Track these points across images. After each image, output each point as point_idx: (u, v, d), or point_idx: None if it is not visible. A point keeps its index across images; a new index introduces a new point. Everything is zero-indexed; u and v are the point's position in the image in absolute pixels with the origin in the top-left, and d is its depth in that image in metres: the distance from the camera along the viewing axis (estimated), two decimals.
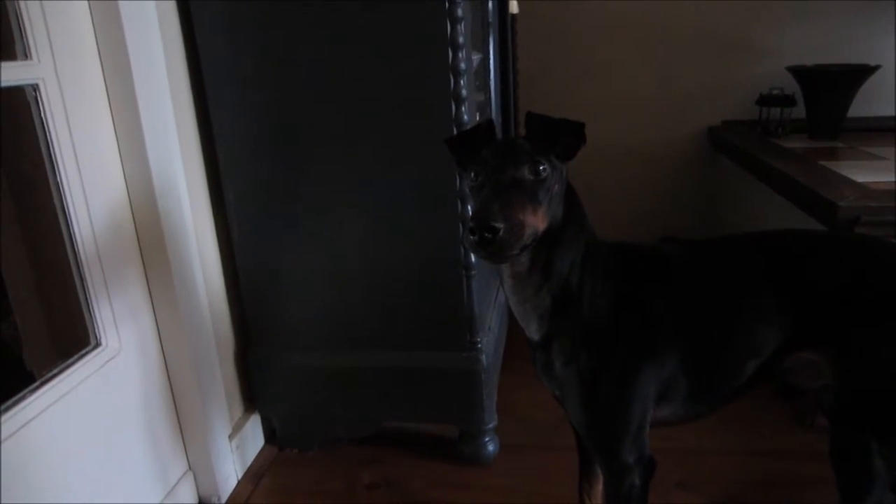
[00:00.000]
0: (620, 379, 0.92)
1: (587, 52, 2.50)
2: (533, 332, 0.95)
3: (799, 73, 2.19)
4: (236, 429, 1.50)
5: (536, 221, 0.81)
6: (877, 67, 2.09)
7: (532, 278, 0.90)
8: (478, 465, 1.48)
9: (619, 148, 2.52)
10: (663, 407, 0.96)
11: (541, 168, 0.82)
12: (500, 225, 0.74)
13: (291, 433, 1.58)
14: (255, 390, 1.54)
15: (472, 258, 1.32)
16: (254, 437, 1.58)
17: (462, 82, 1.22)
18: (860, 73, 2.11)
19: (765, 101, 2.28)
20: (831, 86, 2.15)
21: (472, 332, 1.37)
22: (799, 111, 2.23)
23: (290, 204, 1.37)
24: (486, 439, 1.47)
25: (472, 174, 0.85)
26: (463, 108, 1.23)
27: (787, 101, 2.24)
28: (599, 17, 2.46)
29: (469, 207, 0.86)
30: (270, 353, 1.49)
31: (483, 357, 1.39)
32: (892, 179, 1.54)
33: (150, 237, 1.21)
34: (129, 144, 1.17)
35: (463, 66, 1.21)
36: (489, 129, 0.90)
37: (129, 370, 1.21)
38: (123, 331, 1.18)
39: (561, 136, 0.84)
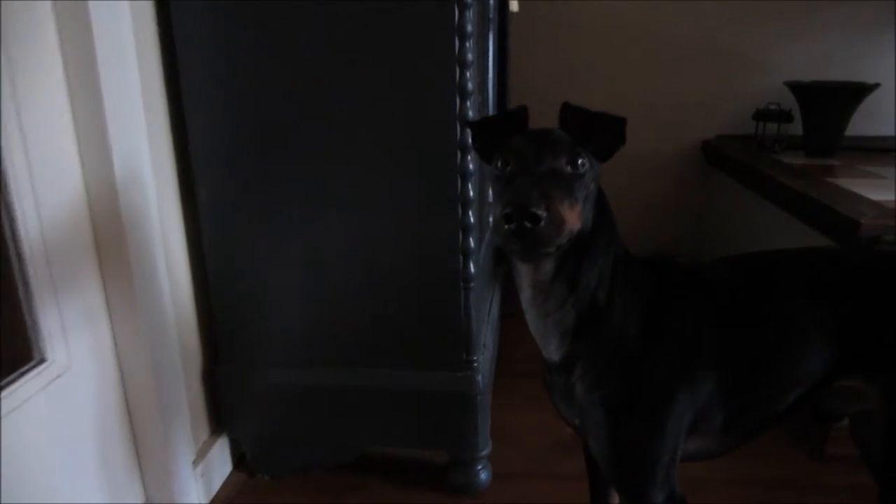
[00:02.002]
0: (652, 408, 0.80)
1: (582, 59, 2.42)
2: (552, 351, 0.84)
3: (797, 88, 2.14)
4: (201, 454, 1.35)
5: (574, 219, 0.70)
6: (876, 86, 2.05)
7: (556, 289, 0.78)
8: (468, 496, 1.35)
9: (612, 160, 2.41)
10: (693, 441, 0.85)
11: (580, 161, 0.72)
12: (542, 213, 0.64)
13: (263, 458, 1.43)
14: (223, 410, 1.39)
15: (471, 268, 1.20)
16: (221, 462, 1.43)
17: (468, 74, 1.10)
18: (859, 91, 2.07)
19: (761, 115, 2.23)
20: (830, 102, 2.11)
21: (468, 350, 1.25)
22: (795, 128, 2.19)
23: (268, 205, 1.23)
24: (479, 467, 1.34)
25: (500, 162, 0.74)
26: (468, 104, 1.11)
27: (784, 116, 2.19)
28: (596, 25, 2.39)
29: (495, 201, 0.75)
30: (242, 369, 1.34)
31: (479, 377, 1.26)
32: None
33: (108, 235, 1.06)
34: (89, 131, 1.03)
35: (470, 56, 1.10)
36: (523, 116, 0.79)
37: (80, 389, 1.05)
38: (74, 344, 1.03)
39: (600, 131, 0.74)
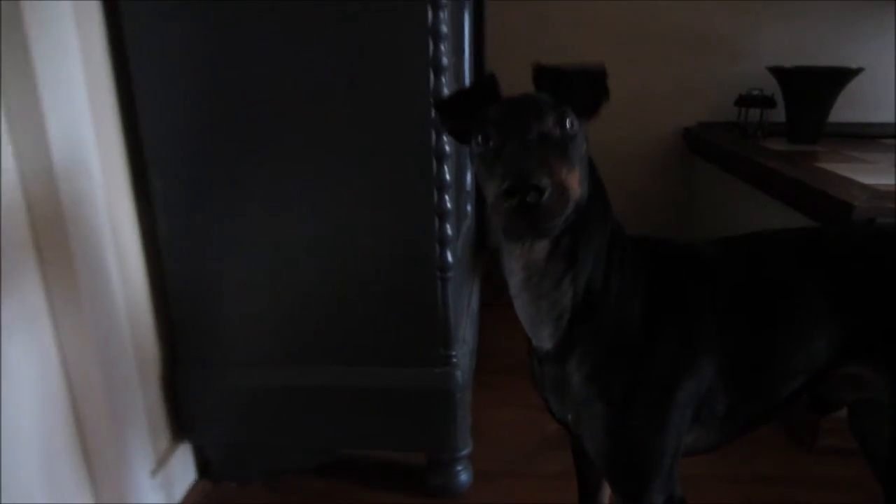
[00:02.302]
0: (657, 400, 0.74)
1: (559, 46, 2.34)
2: (544, 338, 0.76)
3: (780, 73, 2.09)
4: (161, 462, 1.25)
5: (576, 185, 0.64)
6: (859, 70, 2.01)
7: (553, 267, 0.71)
8: (449, 498, 1.28)
9: (591, 147, 2.37)
10: (693, 431, 0.78)
11: (568, 121, 0.65)
12: (545, 182, 0.57)
13: (229, 464, 1.34)
14: (185, 415, 1.30)
15: (448, 257, 1.12)
16: (183, 470, 1.33)
17: (443, 48, 1.02)
18: (842, 75, 2.03)
19: (744, 101, 2.18)
20: (813, 87, 2.06)
21: (446, 345, 1.17)
22: (777, 115, 2.15)
23: (229, 195, 1.15)
24: (459, 468, 1.27)
25: (480, 138, 0.67)
26: (443, 79, 1.04)
27: (767, 102, 2.15)
28: (574, 10, 2.31)
29: (485, 181, 0.67)
30: (204, 370, 1.26)
31: (458, 373, 1.19)
32: (893, 183, 1.43)
33: (48, 227, 0.96)
34: (21, 114, 0.92)
35: (445, 28, 1.02)
36: (492, 85, 0.71)
37: (18, 396, 0.96)
38: (10, 346, 0.93)
39: (580, 88, 0.68)
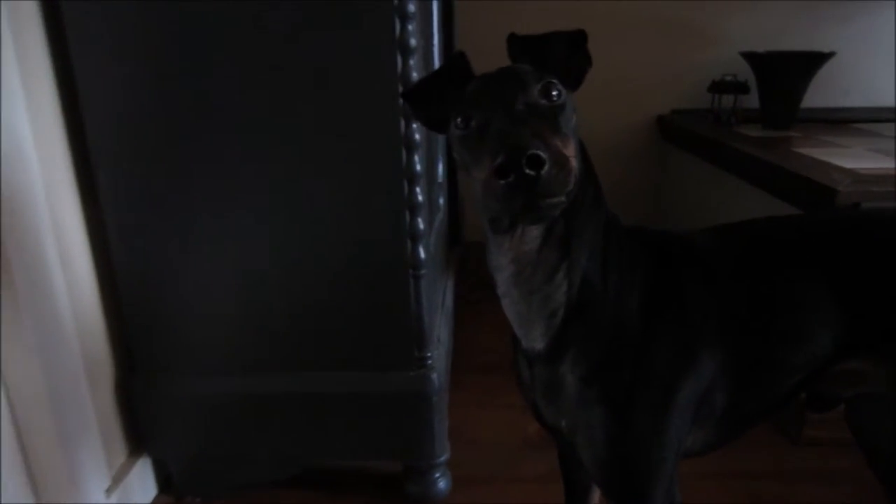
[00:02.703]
0: (659, 401, 0.68)
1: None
2: (536, 338, 0.70)
3: (753, 58, 2.07)
4: (118, 478, 1.17)
5: (573, 157, 0.56)
6: (831, 54, 1.99)
7: (545, 258, 0.65)
8: None
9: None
10: (691, 432, 0.73)
11: (554, 90, 0.59)
12: (543, 153, 0.50)
13: (192, 478, 1.26)
14: (142, 427, 1.21)
15: (421, 253, 1.05)
16: (142, 486, 1.25)
17: (410, 28, 0.95)
18: (815, 59, 2.01)
19: (717, 87, 2.16)
20: (786, 72, 2.04)
21: (420, 346, 1.11)
22: (751, 101, 2.12)
23: (184, 192, 1.06)
24: (437, 475, 1.20)
25: (460, 119, 0.60)
26: (411, 62, 0.97)
27: (740, 87, 2.13)
28: None
29: (472, 166, 0.62)
30: (162, 379, 1.17)
31: (434, 376, 1.12)
32: (870, 167, 1.40)
33: None
34: None
35: (412, 7, 0.95)
36: (463, 64, 0.66)
37: None
38: None
39: (559, 54, 0.63)
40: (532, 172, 0.50)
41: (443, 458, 1.19)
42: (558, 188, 0.53)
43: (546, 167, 0.50)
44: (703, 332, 0.70)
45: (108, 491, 1.13)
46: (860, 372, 0.77)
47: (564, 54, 0.63)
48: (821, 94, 2.18)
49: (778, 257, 0.76)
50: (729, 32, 2.26)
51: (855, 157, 1.53)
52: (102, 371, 1.16)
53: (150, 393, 1.18)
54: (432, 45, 1.37)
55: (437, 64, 1.41)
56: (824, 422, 1.32)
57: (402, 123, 0.98)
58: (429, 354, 1.12)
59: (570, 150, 0.57)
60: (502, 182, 0.51)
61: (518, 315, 0.70)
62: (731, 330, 0.72)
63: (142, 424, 1.21)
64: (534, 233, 0.63)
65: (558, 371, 0.70)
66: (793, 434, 1.39)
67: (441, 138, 1.47)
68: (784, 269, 0.74)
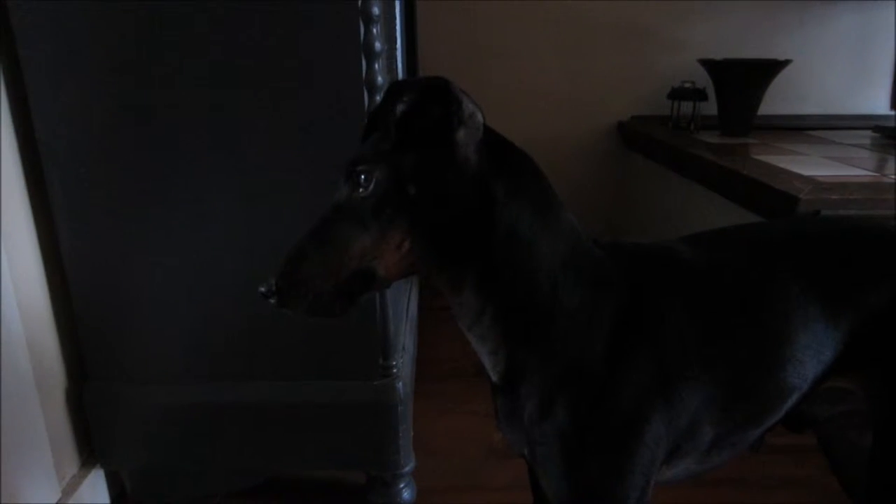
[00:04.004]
0: (621, 440, 0.65)
1: (489, 39, 2.29)
2: (489, 369, 0.69)
3: (710, 65, 2.10)
4: (69, 491, 1.12)
5: (355, 261, 0.60)
6: (787, 62, 2.03)
7: (466, 299, 0.64)
8: None
9: (523, 144, 2.31)
10: (672, 465, 0.71)
11: (361, 178, 0.60)
12: (266, 288, 0.63)
13: (148, 490, 1.22)
14: (96, 438, 1.17)
15: None
16: (95, 499, 1.20)
17: (375, 31, 0.94)
18: (771, 67, 2.05)
19: (676, 94, 2.18)
20: (743, 79, 2.08)
21: (385, 355, 1.09)
22: (710, 108, 2.15)
23: (140, 198, 1.03)
24: (402, 485, 1.18)
25: None
26: (376, 66, 0.95)
27: (698, 94, 2.16)
28: (503, 3, 2.26)
29: None
30: (116, 387, 1.13)
31: (399, 385, 1.10)
32: (828, 174, 1.43)
33: None
34: None
35: (376, 10, 0.93)
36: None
37: None
38: None
39: (387, 120, 0.59)
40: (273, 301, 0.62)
41: (408, 469, 1.17)
42: (298, 306, 0.62)
43: (274, 300, 0.62)
44: (682, 363, 0.66)
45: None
46: (844, 390, 0.75)
47: (397, 116, 0.60)
48: (778, 101, 2.23)
49: (770, 272, 0.72)
50: (689, 39, 2.30)
51: (813, 165, 1.56)
52: (53, 379, 1.12)
53: (103, 402, 1.14)
54: (396, 48, 1.35)
55: (400, 68, 1.39)
56: (785, 430, 1.34)
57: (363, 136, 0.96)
58: (394, 363, 1.10)
59: (350, 255, 0.61)
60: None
61: (472, 345, 0.69)
62: (717, 356, 0.68)
63: (94, 435, 1.17)
64: (439, 277, 0.65)
65: (516, 401, 0.68)
66: (755, 442, 1.40)
67: None
68: (777, 286, 0.71)
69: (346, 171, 0.61)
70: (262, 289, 0.62)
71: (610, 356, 0.65)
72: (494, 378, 0.69)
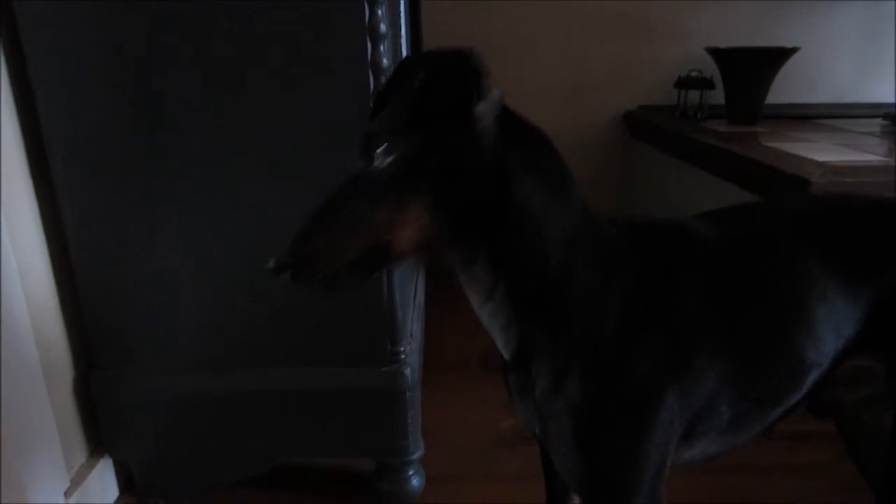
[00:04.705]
0: (635, 415, 0.64)
1: (495, 29, 2.28)
2: (501, 346, 0.68)
3: (717, 54, 2.09)
4: (77, 481, 1.12)
5: (374, 236, 0.58)
6: (795, 49, 2.01)
7: (478, 275, 0.63)
8: None
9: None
10: (690, 445, 0.69)
11: (380, 151, 0.58)
12: (276, 265, 0.60)
13: (156, 479, 1.21)
14: (103, 427, 1.16)
15: None
16: (103, 488, 1.20)
17: (380, 13, 0.93)
18: (779, 55, 2.04)
19: (683, 83, 2.17)
20: (750, 67, 2.06)
21: (393, 341, 1.08)
22: (717, 97, 2.14)
23: (147, 183, 1.02)
24: (410, 472, 1.18)
25: None
26: (382, 48, 0.94)
27: (706, 83, 2.14)
28: None
29: None
30: (124, 376, 1.13)
31: (407, 371, 1.10)
32: (839, 159, 1.42)
33: None
34: None
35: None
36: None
37: None
38: None
39: (406, 92, 0.59)
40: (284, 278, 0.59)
41: (416, 456, 1.16)
42: (310, 281, 0.60)
43: (287, 274, 0.59)
44: (699, 338, 0.65)
45: (67, 493, 1.08)
46: (866, 371, 0.74)
47: (412, 88, 0.59)
48: (786, 90, 2.21)
49: (784, 244, 0.71)
50: (695, 28, 2.28)
51: (823, 151, 1.55)
52: (60, 368, 1.12)
53: (110, 391, 1.14)
54: (400, 34, 1.34)
55: (405, 52, 1.39)
56: (799, 416, 1.32)
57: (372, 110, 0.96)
58: (402, 349, 1.09)
59: (372, 229, 0.58)
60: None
61: (483, 321, 0.68)
62: (734, 333, 0.67)
63: (102, 424, 1.16)
64: (453, 252, 0.63)
65: (528, 379, 0.67)
66: (766, 428, 1.39)
67: None
68: (795, 260, 0.70)
69: (363, 144, 0.59)
70: (271, 264, 0.59)
71: (623, 332, 0.64)
72: (506, 355, 0.68)
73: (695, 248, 0.70)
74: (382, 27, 0.94)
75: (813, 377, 0.71)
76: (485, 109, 0.58)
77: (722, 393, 0.67)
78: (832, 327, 0.69)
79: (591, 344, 0.64)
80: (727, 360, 0.66)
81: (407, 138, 0.58)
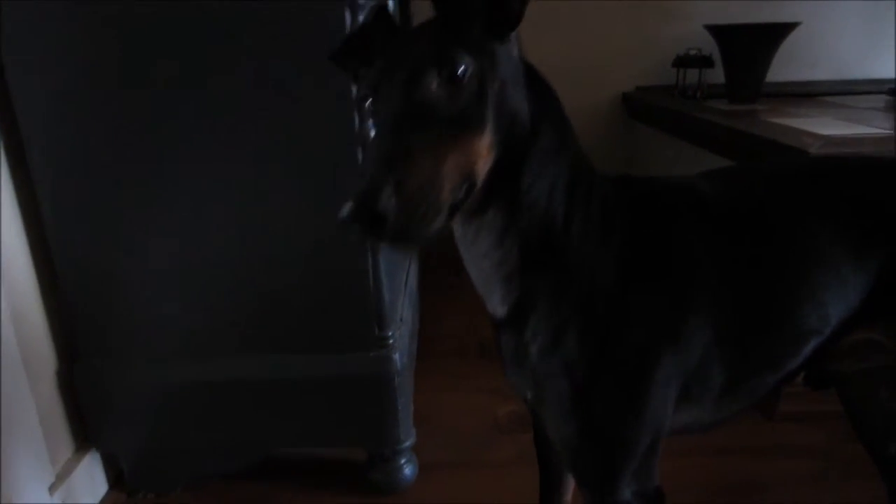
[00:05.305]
0: (632, 375, 0.62)
1: None
2: (497, 302, 0.65)
3: (716, 31, 2.04)
4: (63, 475, 1.10)
5: (469, 163, 0.52)
6: (795, 24, 1.96)
7: (490, 221, 0.60)
8: (392, 494, 1.16)
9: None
10: (683, 411, 0.67)
11: (459, 68, 0.52)
12: (386, 206, 0.45)
13: (145, 472, 1.19)
14: (89, 420, 1.15)
15: None
16: (91, 482, 1.18)
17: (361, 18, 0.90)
18: (779, 31, 1.99)
19: (682, 62, 2.12)
20: (750, 44, 2.01)
21: (381, 325, 1.06)
22: (716, 77, 2.09)
23: (129, 175, 1.00)
24: (402, 461, 1.15)
25: (363, 96, 0.56)
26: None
27: (705, 61, 2.09)
28: None
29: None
30: (109, 367, 1.11)
31: (396, 356, 1.07)
32: (840, 132, 1.38)
33: None
34: None
35: None
36: (384, 19, 0.60)
37: None
38: None
39: (470, 7, 0.54)
40: (376, 225, 0.45)
41: (408, 444, 1.14)
42: (417, 229, 0.48)
43: (391, 220, 0.45)
44: (693, 296, 0.63)
45: (52, 488, 1.06)
46: (874, 343, 0.71)
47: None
48: (787, 67, 2.16)
49: (788, 208, 0.68)
50: (693, 5, 2.23)
51: (824, 126, 1.50)
52: (42, 360, 1.10)
53: (95, 383, 1.12)
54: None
55: None
56: (798, 396, 1.29)
57: (354, 90, 0.93)
58: (389, 333, 1.07)
59: (469, 154, 0.52)
60: (347, 225, 0.46)
61: (476, 278, 0.65)
62: (733, 292, 0.65)
63: (88, 417, 1.15)
64: (476, 198, 0.57)
65: (523, 338, 0.65)
66: (768, 409, 1.36)
67: None
68: (799, 221, 0.67)
69: (437, 60, 0.52)
70: (346, 215, 0.45)
71: (622, 288, 0.62)
72: (502, 312, 0.65)
73: (695, 208, 0.68)
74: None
75: (812, 345, 0.68)
76: (516, 37, 0.58)
77: (715, 352, 0.64)
78: (836, 294, 0.66)
79: (589, 299, 0.62)
80: (723, 320, 0.64)
81: (480, 57, 0.53)
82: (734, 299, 0.65)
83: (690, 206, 0.67)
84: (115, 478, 1.23)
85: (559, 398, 0.64)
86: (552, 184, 0.60)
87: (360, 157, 0.96)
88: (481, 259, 0.62)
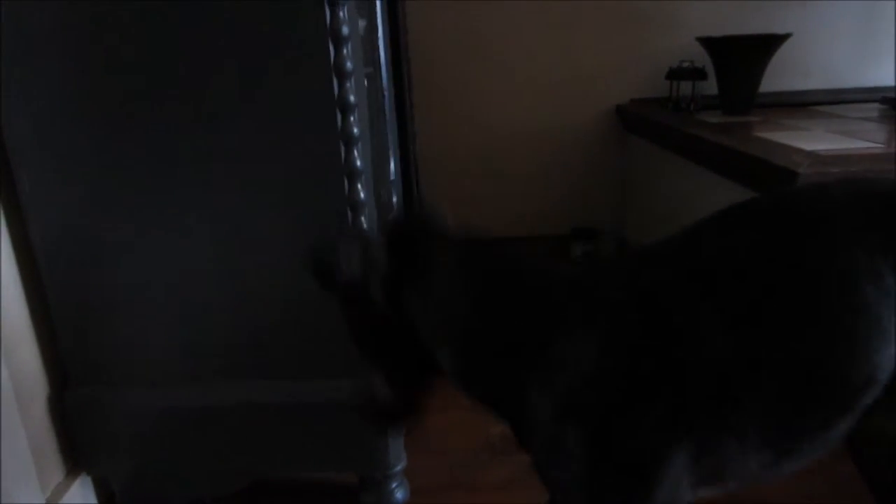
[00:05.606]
0: (638, 474, 0.59)
1: (483, 27, 2.24)
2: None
3: (709, 43, 2.04)
4: (54, 499, 1.10)
5: None
6: (787, 35, 1.97)
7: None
8: None
9: (522, 134, 2.30)
10: (716, 488, 0.65)
11: None
12: None
13: (135, 496, 1.19)
14: (80, 444, 1.15)
15: None
16: None
17: (342, 15, 0.90)
18: (771, 42, 1.99)
19: (675, 74, 2.13)
20: (742, 55, 2.02)
21: None
22: (710, 88, 2.10)
23: (121, 199, 1.01)
24: (394, 485, 1.15)
25: None
26: (345, 51, 0.91)
27: (698, 74, 2.10)
28: None
29: None
30: (100, 392, 1.11)
31: None
32: (831, 147, 1.38)
33: None
34: None
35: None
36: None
37: None
38: None
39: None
40: None
41: (399, 468, 1.14)
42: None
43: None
44: (711, 392, 0.58)
45: None
46: None
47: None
48: (780, 77, 2.17)
49: (808, 252, 0.61)
50: (685, 18, 2.23)
51: (815, 139, 1.51)
52: (32, 386, 1.09)
53: (85, 408, 1.12)
54: (377, 36, 1.31)
55: (383, 57, 1.35)
56: None
57: (339, 116, 0.93)
58: None
59: None
60: None
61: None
62: (764, 372, 0.58)
63: (79, 441, 1.15)
64: None
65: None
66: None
67: (392, 133, 1.42)
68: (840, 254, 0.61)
69: None
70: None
71: (623, 385, 0.59)
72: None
73: (701, 276, 0.62)
74: (345, 30, 0.91)
75: (865, 400, 0.62)
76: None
77: (748, 445, 0.60)
78: (880, 344, 0.60)
79: (588, 399, 0.60)
80: (751, 398, 0.59)
81: None
82: (767, 382, 0.60)
83: (695, 281, 0.61)
84: (106, 501, 1.23)
85: (565, 486, 0.63)
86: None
87: (345, 184, 0.96)
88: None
